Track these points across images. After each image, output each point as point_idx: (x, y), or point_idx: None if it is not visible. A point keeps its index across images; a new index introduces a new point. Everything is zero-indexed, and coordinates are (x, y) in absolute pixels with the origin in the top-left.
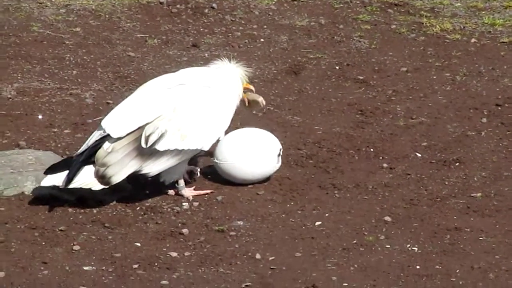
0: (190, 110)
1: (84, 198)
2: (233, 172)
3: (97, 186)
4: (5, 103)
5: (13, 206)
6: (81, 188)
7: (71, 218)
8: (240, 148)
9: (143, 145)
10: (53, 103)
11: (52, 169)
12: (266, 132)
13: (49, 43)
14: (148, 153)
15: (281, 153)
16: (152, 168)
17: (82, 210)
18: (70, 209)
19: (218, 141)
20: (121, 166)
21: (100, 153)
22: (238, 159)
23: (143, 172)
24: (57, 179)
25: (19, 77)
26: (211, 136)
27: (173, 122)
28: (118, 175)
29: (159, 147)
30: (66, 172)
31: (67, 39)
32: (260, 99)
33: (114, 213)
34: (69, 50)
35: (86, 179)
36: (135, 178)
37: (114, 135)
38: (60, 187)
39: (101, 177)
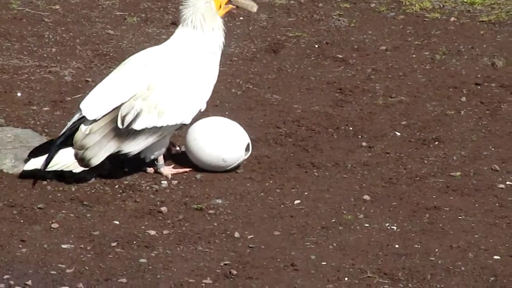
0: (165, 86)
1: (62, 176)
2: (198, 163)
3: (77, 168)
4: None
5: None
6: (62, 171)
7: (50, 196)
8: (206, 142)
9: (120, 125)
10: (32, 81)
11: (35, 152)
12: (234, 124)
13: (28, 20)
14: (126, 133)
15: (249, 147)
16: (132, 147)
17: (61, 188)
18: (48, 187)
19: (200, 112)
20: (99, 148)
21: (78, 135)
22: (203, 153)
23: (124, 152)
24: (39, 162)
25: None
26: (190, 110)
27: (148, 100)
28: (97, 157)
29: (136, 126)
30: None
31: (46, 17)
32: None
33: (93, 191)
34: (48, 27)
35: (66, 161)
36: (114, 156)
37: (89, 117)
38: (40, 169)
39: (81, 160)
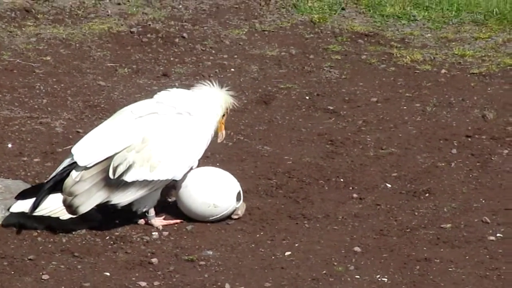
0: (159, 140)
1: (53, 227)
2: (189, 211)
3: (64, 215)
4: None
5: None
6: (49, 217)
7: (40, 247)
8: (197, 188)
9: (111, 175)
10: (23, 132)
11: (23, 195)
12: (225, 172)
13: (20, 71)
14: (116, 184)
15: (241, 196)
16: (121, 198)
17: (51, 239)
18: (39, 238)
19: (191, 169)
20: (88, 196)
21: (68, 181)
22: (194, 199)
23: (113, 202)
24: (27, 205)
25: None
26: (182, 166)
27: (142, 153)
28: (85, 205)
29: (127, 178)
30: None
31: (38, 68)
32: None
33: (84, 242)
34: (40, 79)
35: (53, 207)
36: (105, 207)
37: (81, 163)
38: (27, 213)
39: (69, 206)
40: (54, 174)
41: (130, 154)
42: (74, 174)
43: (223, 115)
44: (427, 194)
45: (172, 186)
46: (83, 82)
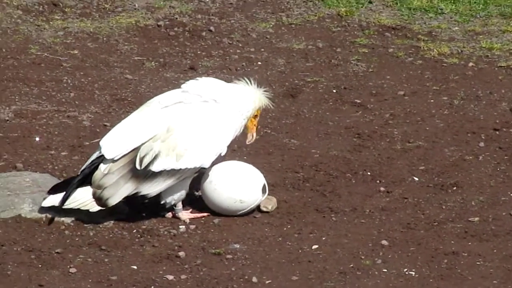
0: (184, 129)
1: (80, 220)
2: (215, 206)
3: (94, 207)
4: (2, 125)
5: (10, 229)
6: (78, 209)
7: (68, 241)
8: (222, 184)
9: (138, 166)
10: (51, 126)
11: (54, 190)
12: (249, 166)
13: (47, 65)
14: (143, 174)
15: (266, 189)
16: (150, 189)
17: (79, 232)
18: (66, 232)
19: (220, 156)
20: (117, 188)
21: (97, 174)
22: (220, 194)
23: (142, 193)
24: (57, 199)
25: (16, 100)
26: (209, 154)
27: (167, 142)
28: (114, 197)
29: (154, 168)
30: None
31: (65, 62)
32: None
33: (111, 235)
34: (67, 72)
35: (83, 199)
36: (132, 200)
37: (108, 156)
38: (57, 206)
39: (98, 199)
40: (83, 167)
41: (156, 144)
42: (102, 167)
43: (255, 115)
44: (454, 188)
45: (198, 180)
46: (110, 76)
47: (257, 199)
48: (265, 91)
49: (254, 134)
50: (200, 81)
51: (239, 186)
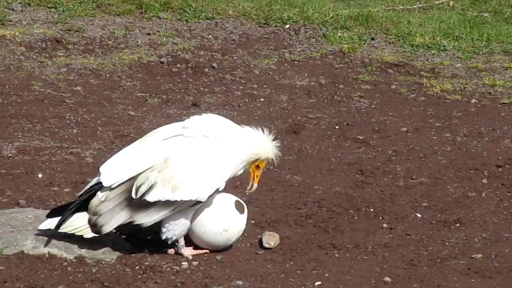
0: (181, 161)
1: (83, 257)
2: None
3: (88, 234)
4: (5, 161)
5: (13, 265)
6: (73, 234)
7: (70, 277)
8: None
9: (134, 195)
10: (53, 162)
11: (53, 213)
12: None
13: (50, 102)
14: (138, 204)
15: (243, 205)
16: (144, 219)
17: (81, 269)
18: (69, 268)
19: (217, 191)
20: (111, 216)
21: (94, 201)
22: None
23: (136, 223)
24: (54, 222)
25: (19, 136)
26: (205, 187)
27: (163, 173)
28: (108, 224)
29: (149, 198)
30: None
31: (68, 98)
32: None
33: (113, 272)
34: (70, 109)
35: (78, 225)
36: (134, 235)
37: (105, 183)
38: (53, 230)
39: (93, 226)
40: (81, 192)
41: (153, 174)
42: (99, 194)
43: (257, 165)
44: (457, 224)
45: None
46: (113, 112)
47: (238, 221)
48: (276, 145)
49: (255, 185)
50: (204, 116)
51: (216, 218)
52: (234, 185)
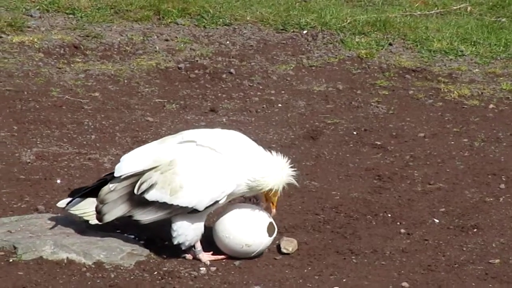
0: (185, 167)
1: (101, 262)
2: (230, 253)
3: (93, 220)
4: (24, 167)
5: (32, 271)
6: (81, 218)
7: (89, 283)
8: (226, 235)
9: (135, 191)
10: (72, 168)
11: (76, 192)
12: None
13: (68, 108)
14: (138, 200)
15: (274, 228)
16: (142, 216)
17: (100, 274)
18: (88, 274)
19: (216, 203)
20: (113, 206)
21: (104, 189)
22: (229, 245)
23: (134, 218)
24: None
25: (38, 142)
26: (203, 198)
27: (165, 175)
28: (110, 214)
29: (148, 196)
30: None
31: (86, 104)
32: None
33: (132, 277)
34: (88, 115)
35: (87, 210)
36: (153, 241)
37: (116, 173)
38: (62, 207)
39: (98, 213)
40: (102, 176)
41: (155, 174)
42: (110, 183)
43: (271, 192)
44: (475, 229)
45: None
46: (131, 118)
47: (263, 241)
48: (289, 175)
49: (274, 210)
50: (226, 132)
51: (242, 230)
52: None
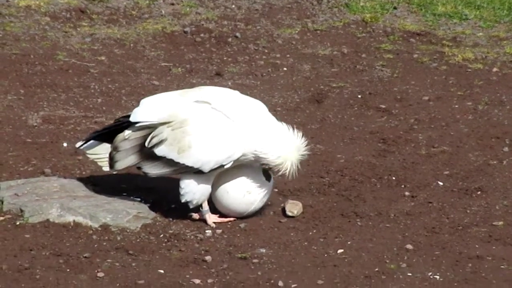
0: (196, 127)
1: (107, 225)
2: (233, 212)
3: (106, 167)
4: (31, 131)
5: (38, 233)
6: (95, 162)
7: (96, 245)
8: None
9: (146, 144)
10: (78, 131)
11: (93, 134)
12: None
13: (75, 71)
14: (147, 153)
15: (269, 174)
16: (150, 169)
17: (106, 237)
18: (94, 236)
19: (221, 167)
20: (125, 155)
21: (119, 136)
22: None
23: (143, 170)
24: (87, 144)
25: (44, 105)
26: (209, 160)
27: (175, 132)
28: (121, 162)
29: (157, 151)
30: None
31: (92, 68)
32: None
33: (138, 240)
34: (94, 78)
35: (102, 155)
36: (159, 204)
37: (132, 118)
38: (77, 146)
39: (110, 159)
40: (119, 117)
41: (167, 130)
42: (126, 131)
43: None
44: (479, 192)
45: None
46: (137, 82)
47: (262, 186)
48: (302, 151)
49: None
50: (246, 100)
51: (240, 179)
52: None
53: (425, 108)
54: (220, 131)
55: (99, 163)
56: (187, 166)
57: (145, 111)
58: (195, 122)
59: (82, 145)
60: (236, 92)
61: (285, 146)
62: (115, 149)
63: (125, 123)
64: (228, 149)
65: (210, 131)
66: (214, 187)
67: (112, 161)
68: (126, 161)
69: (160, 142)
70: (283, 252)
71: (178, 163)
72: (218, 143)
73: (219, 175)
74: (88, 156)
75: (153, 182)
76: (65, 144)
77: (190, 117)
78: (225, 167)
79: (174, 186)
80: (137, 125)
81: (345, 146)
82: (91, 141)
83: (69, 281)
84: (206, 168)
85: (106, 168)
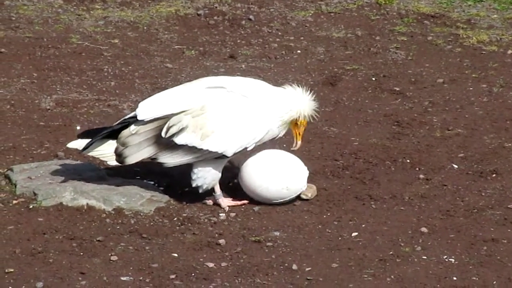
0: (217, 112)
1: (121, 209)
2: (258, 195)
3: (112, 162)
4: (44, 114)
5: (52, 217)
6: (98, 158)
7: (109, 229)
8: (270, 175)
9: (163, 134)
10: (91, 114)
11: (85, 134)
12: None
13: (88, 54)
14: (165, 143)
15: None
16: (168, 159)
17: (120, 221)
18: (107, 220)
19: (245, 150)
20: (137, 149)
21: (125, 132)
22: (266, 179)
23: (159, 161)
24: (82, 144)
25: (58, 89)
26: (233, 143)
27: (197, 119)
28: (133, 157)
29: (177, 140)
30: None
31: (106, 51)
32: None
33: (152, 223)
34: (107, 61)
35: (105, 151)
36: (173, 188)
37: (140, 117)
38: (79, 150)
39: (118, 155)
40: (116, 123)
41: (186, 118)
42: (132, 127)
43: (296, 123)
44: (494, 175)
45: (237, 167)
46: (150, 65)
47: (300, 188)
48: (312, 102)
49: (299, 143)
50: (247, 80)
51: (288, 174)
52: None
53: (439, 91)
54: (242, 112)
55: (103, 159)
56: (211, 152)
57: (150, 108)
58: (216, 106)
59: (84, 149)
60: (235, 77)
61: (301, 97)
62: (122, 145)
63: (125, 123)
64: (253, 130)
65: (232, 114)
66: (253, 180)
67: (121, 157)
68: (139, 154)
69: (181, 131)
70: (297, 235)
71: (201, 149)
72: (242, 126)
73: (259, 169)
74: (88, 154)
75: None
76: (78, 127)
77: (209, 103)
78: (248, 149)
79: (188, 170)
80: (146, 119)
81: (359, 128)
82: (83, 140)
83: (82, 264)
84: (230, 152)
85: (112, 163)
